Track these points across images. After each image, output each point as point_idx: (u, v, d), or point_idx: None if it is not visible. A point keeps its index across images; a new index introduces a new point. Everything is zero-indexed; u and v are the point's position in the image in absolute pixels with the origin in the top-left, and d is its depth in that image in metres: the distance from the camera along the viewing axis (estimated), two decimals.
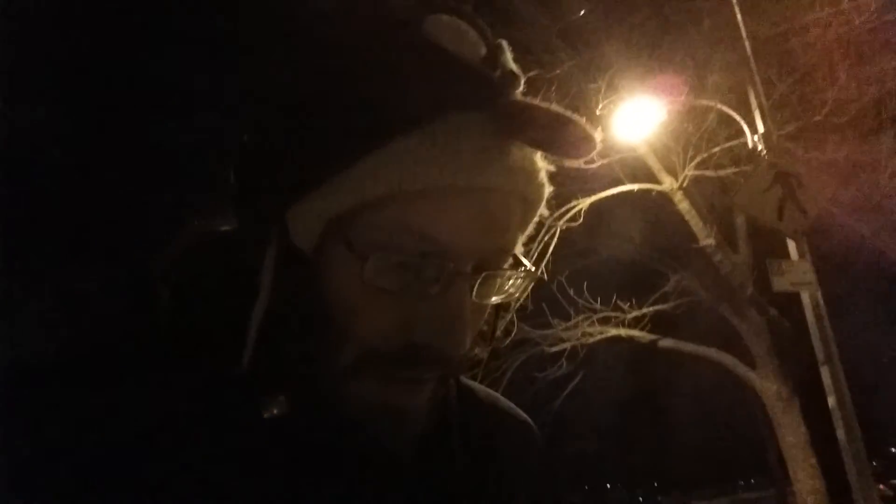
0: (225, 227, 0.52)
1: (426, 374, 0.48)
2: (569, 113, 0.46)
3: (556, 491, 0.67)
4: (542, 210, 0.53)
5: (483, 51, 0.48)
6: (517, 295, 0.51)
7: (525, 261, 0.53)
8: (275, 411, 0.47)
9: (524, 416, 0.67)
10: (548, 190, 0.51)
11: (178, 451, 0.45)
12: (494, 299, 0.51)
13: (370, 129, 0.44)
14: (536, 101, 0.47)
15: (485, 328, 0.56)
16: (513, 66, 0.50)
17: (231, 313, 0.48)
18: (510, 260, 0.51)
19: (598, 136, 0.46)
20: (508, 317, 7.01)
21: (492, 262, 0.48)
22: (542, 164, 0.50)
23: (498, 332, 0.58)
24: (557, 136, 0.46)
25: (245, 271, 0.48)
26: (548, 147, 0.48)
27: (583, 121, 0.46)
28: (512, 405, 0.67)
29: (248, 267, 0.48)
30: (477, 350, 0.57)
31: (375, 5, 0.47)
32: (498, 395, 0.67)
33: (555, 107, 0.46)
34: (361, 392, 0.48)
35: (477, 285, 0.47)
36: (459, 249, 0.46)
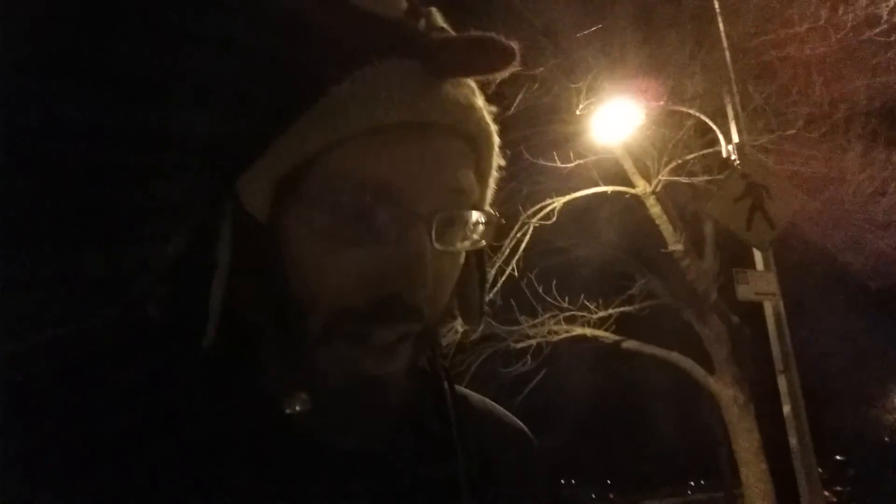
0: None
1: (398, 329, 0.47)
2: (484, 32, 0.47)
3: (552, 499, 0.67)
4: (499, 159, 0.54)
5: (404, 6, 0.49)
6: (482, 242, 0.51)
7: (487, 208, 0.53)
8: (297, 408, 0.46)
9: (520, 423, 0.67)
10: (493, 129, 0.52)
11: (147, 435, 0.45)
12: (460, 246, 0.50)
13: (301, 87, 0.45)
14: (453, 34, 0.49)
15: (470, 303, 0.56)
16: (441, 23, 0.51)
17: (196, 292, 0.47)
18: (469, 203, 0.50)
19: (515, 45, 0.47)
20: (492, 291, 7.02)
21: (448, 204, 0.48)
22: (482, 102, 0.51)
23: (486, 308, 0.58)
24: (476, 55, 0.47)
25: (206, 249, 0.48)
26: (470, 68, 0.49)
27: (499, 36, 0.47)
28: (507, 413, 0.67)
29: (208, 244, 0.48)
30: (461, 326, 0.57)
31: None
32: (493, 402, 0.66)
33: (472, 32, 0.47)
34: (334, 362, 0.47)
35: (434, 228, 0.47)
36: (409, 191, 0.46)
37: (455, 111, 0.48)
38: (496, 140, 0.53)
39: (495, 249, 7.13)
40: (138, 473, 0.44)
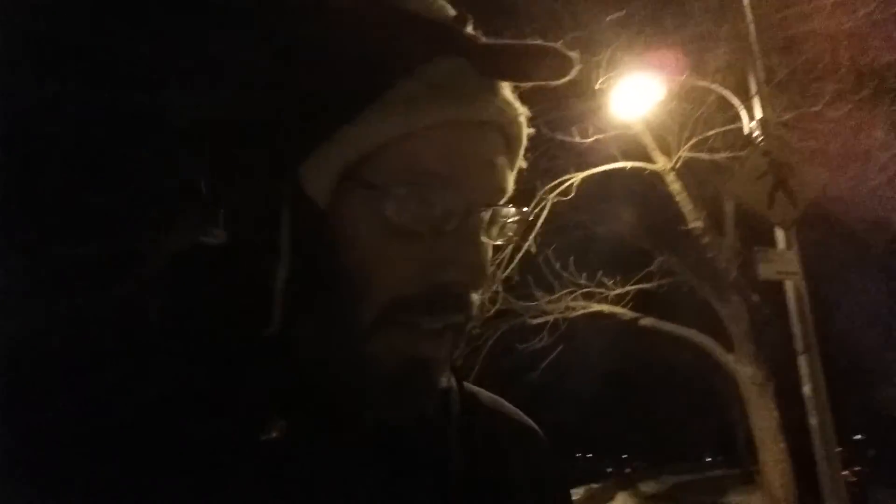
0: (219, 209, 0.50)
1: (452, 318, 0.49)
2: (539, 41, 0.49)
3: (563, 496, 0.67)
4: (521, 161, 0.56)
5: (452, 13, 0.52)
6: (514, 238, 0.54)
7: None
8: (273, 435, 0.47)
9: (530, 421, 0.67)
10: (527, 132, 0.54)
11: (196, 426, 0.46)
12: (498, 241, 0.53)
13: (369, 78, 0.47)
14: (507, 41, 0.50)
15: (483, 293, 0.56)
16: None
17: (255, 282, 0.48)
18: (506, 199, 0.53)
19: (574, 56, 0.49)
20: (509, 267, 7.04)
21: (495, 200, 0.51)
22: (519, 105, 0.53)
23: (498, 298, 0.60)
24: (536, 62, 0.49)
25: (262, 242, 0.48)
26: (531, 74, 0.50)
27: (557, 45, 0.49)
28: (518, 411, 0.67)
29: (265, 237, 0.48)
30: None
31: None
32: (503, 400, 0.67)
33: (531, 41, 0.49)
34: (388, 348, 0.48)
35: (486, 222, 0.50)
36: (467, 185, 0.48)
37: (507, 112, 0.51)
38: (525, 135, 0.55)
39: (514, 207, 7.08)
40: (134, 472, 0.44)
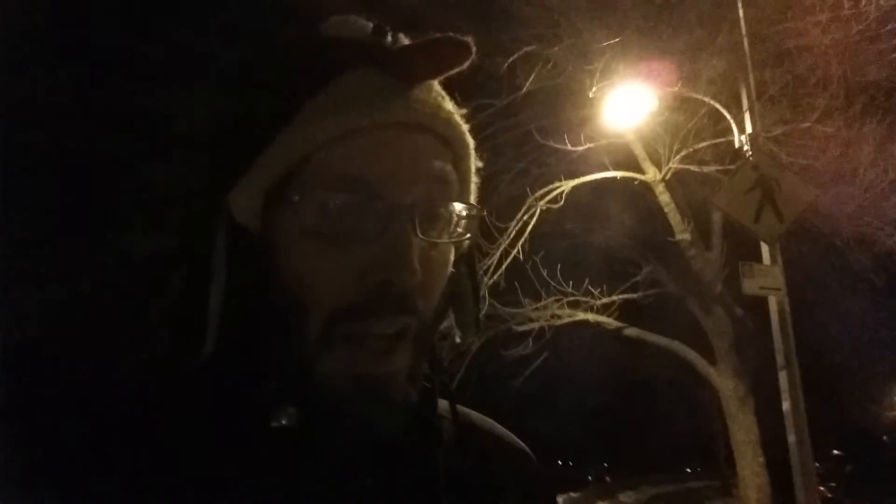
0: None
1: (396, 322, 0.48)
2: (442, 34, 0.50)
3: None
4: (476, 162, 0.57)
5: (370, 29, 0.53)
6: (466, 234, 0.54)
7: (471, 201, 0.57)
8: (283, 422, 0.47)
9: (521, 444, 0.67)
10: (465, 129, 0.55)
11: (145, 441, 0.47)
12: (446, 238, 0.52)
13: (279, 105, 0.50)
14: (412, 42, 0.52)
15: (465, 313, 0.58)
16: (406, 40, 0.54)
17: (192, 302, 0.50)
18: (451, 196, 0.53)
19: (469, 41, 0.50)
20: (496, 273, 7.02)
21: (428, 196, 0.51)
22: (451, 106, 0.54)
23: (481, 315, 0.61)
24: (434, 56, 0.50)
25: (198, 264, 0.50)
26: (430, 69, 0.52)
27: (454, 35, 0.50)
28: (509, 433, 0.67)
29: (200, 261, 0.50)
30: (458, 338, 0.59)
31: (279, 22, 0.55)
32: (494, 422, 0.67)
33: (429, 36, 0.50)
34: (337, 366, 0.48)
35: (418, 219, 0.49)
36: (388, 185, 0.49)
37: (423, 111, 0.51)
38: (470, 141, 0.56)
39: (501, 231, 7.10)
40: (126, 480, 0.45)
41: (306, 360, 0.48)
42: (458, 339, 0.60)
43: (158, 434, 0.47)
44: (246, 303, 0.49)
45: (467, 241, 0.56)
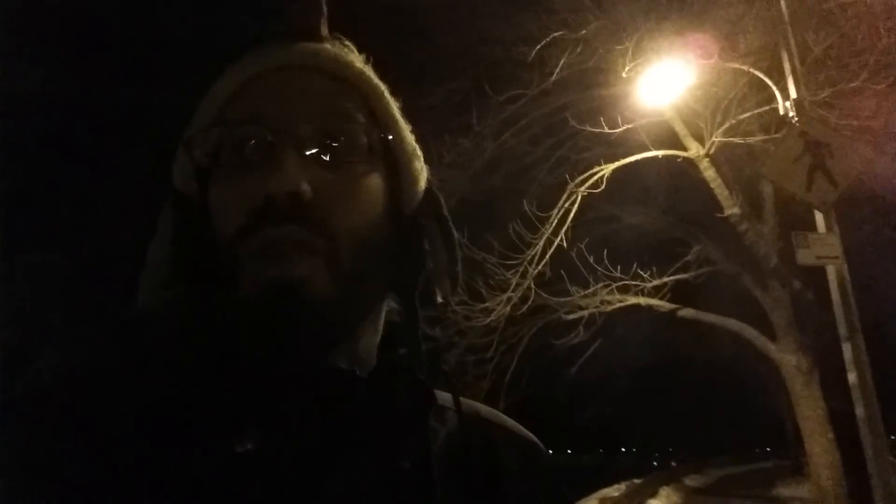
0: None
1: (283, 230, 0.51)
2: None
3: None
4: (390, 101, 0.61)
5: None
6: (351, 158, 0.56)
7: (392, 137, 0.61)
8: (248, 447, 0.48)
9: (531, 435, 0.67)
10: (363, 70, 0.60)
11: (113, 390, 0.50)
12: (346, 160, 0.56)
13: (204, 84, 0.58)
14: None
15: (438, 260, 0.60)
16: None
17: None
18: (351, 126, 0.57)
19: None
20: (541, 262, 6.94)
21: (308, 127, 0.55)
22: (342, 52, 0.61)
23: (458, 267, 0.63)
24: (300, 13, 0.59)
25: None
26: (287, 20, 0.59)
27: None
28: (518, 424, 0.67)
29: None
30: (442, 297, 0.60)
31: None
32: (503, 415, 0.67)
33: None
34: (249, 280, 0.51)
35: (307, 143, 0.54)
36: (275, 118, 0.54)
37: (303, 52, 0.58)
38: (377, 81, 0.61)
39: (542, 221, 7.03)
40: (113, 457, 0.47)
41: (232, 289, 0.52)
42: (439, 299, 0.60)
43: (144, 367, 0.51)
44: (191, 254, 0.56)
45: (421, 186, 0.61)
